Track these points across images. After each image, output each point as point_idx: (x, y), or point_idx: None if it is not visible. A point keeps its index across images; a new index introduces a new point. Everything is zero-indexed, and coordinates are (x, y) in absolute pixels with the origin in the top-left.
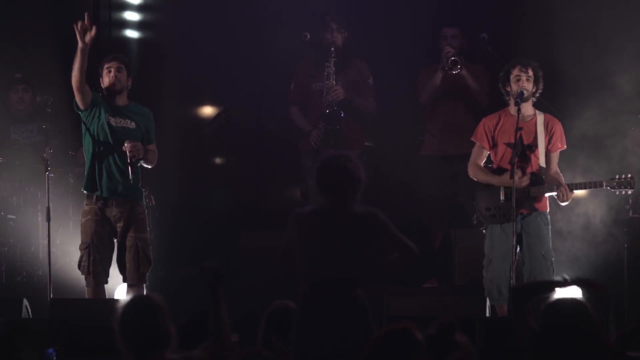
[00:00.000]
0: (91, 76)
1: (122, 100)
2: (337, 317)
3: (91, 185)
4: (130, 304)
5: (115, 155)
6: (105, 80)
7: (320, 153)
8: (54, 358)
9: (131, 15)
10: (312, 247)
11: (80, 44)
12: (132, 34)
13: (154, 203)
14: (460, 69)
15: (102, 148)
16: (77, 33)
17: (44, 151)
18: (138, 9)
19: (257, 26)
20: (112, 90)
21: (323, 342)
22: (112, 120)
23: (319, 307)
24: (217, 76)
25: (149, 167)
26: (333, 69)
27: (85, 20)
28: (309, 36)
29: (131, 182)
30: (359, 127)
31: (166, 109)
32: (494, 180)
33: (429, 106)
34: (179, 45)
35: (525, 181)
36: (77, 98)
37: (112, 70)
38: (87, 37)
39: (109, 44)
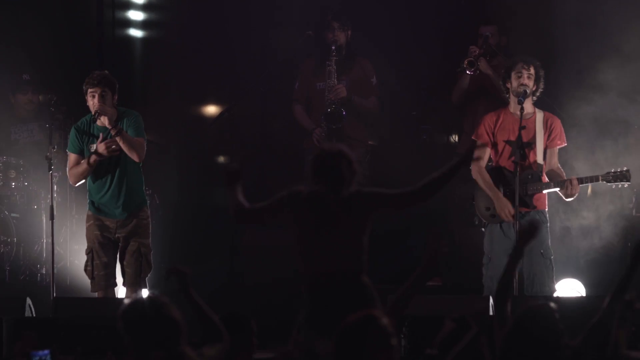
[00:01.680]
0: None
1: (106, 123)
2: (343, 307)
3: (94, 208)
4: (133, 301)
5: (111, 177)
6: (90, 103)
7: None
8: (48, 359)
9: (135, 15)
10: (310, 238)
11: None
12: (135, 33)
13: (157, 202)
14: (475, 70)
15: (96, 174)
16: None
17: (47, 150)
18: (142, 8)
19: (261, 25)
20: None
21: (330, 332)
22: (99, 148)
23: (325, 299)
24: (220, 75)
25: (136, 160)
26: (334, 67)
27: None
28: (312, 35)
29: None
30: (361, 126)
31: (170, 107)
32: (490, 193)
33: (461, 106)
34: (183, 44)
35: (510, 217)
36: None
37: (96, 96)
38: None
39: (112, 43)
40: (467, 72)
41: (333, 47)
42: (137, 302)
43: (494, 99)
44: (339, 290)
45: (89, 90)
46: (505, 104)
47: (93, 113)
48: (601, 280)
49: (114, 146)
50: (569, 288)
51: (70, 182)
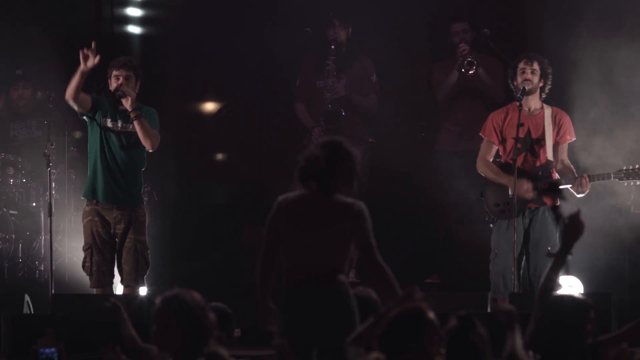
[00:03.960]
0: (97, 74)
1: (127, 105)
2: (320, 306)
3: (91, 192)
4: (177, 294)
5: (117, 160)
6: (113, 85)
7: None
8: (55, 357)
9: (133, 11)
10: (294, 235)
11: (81, 67)
12: (134, 29)
13: (156, 198)
14: (477, 69)
15: (103, 153)
16: (81, 57)
17: (45, 147)
18: (140, 4)
19: (259, 21)
20: (117, 96)
21: (307, 331)
22: (114, 125)
23: (303, 296)
24: (219, 71)
25: (149, 149)
26: (333, 66)
27: (92, 46)
28: (310, 32)
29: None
30: (361, 123)
31: (168, 104)
32: (502, 180)
33: (446, 104)
34: (181, 40)
35: (530, 194)
36: (73, 105)
37: (121, 78)
38: (90, 63)
39: (111, 40)
40: (470, 72)
41: (332, 47)
42: (178, 296)
43: (486, 96)
44: (314, 286)
45: (114, 72)
46: (494, 101)
47: (116, 92)
48: (599, 276)
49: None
50: (567, 284)
51: (66, 96)
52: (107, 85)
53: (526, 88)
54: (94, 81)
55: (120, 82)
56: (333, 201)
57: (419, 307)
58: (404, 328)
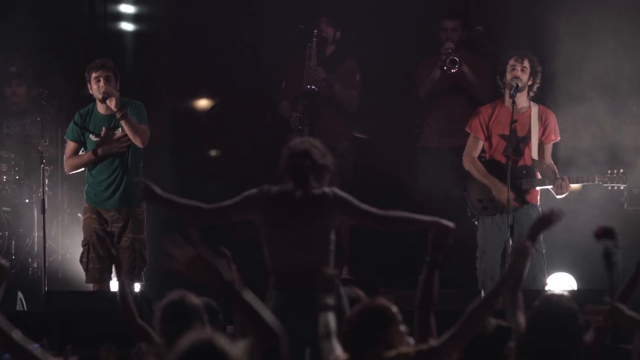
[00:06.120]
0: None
1: (112, 105)
2: (311, 306)
3: (89, 197)
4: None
5: (113, 169)
6: (94, 88)
7: (302, 132)
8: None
9: (126, 8)
10: (275, 236)
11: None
12: (127, 26)
13: None
14: (459, 68)
15: (97, 164)
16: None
17: (38, 143)
18: (133, 1)
19: (253, 19)
20: (101, 99)
21: (300, 331)
22: (111, 148)
23: (293, 298)
24: (212, 68)
25: (140, 146)
26: (315, 49)
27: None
28: (304, 29)
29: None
30: (344, 119)
31: (162, 101)
32: (485, 180)
33: (428, 100)
34: (174, 37)
35: (512, 201)
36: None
37: (101, 80)
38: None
39: (104, 37)
40: (452, 70)
41: (315, 31)
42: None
43: (470, 93)
44: (303, 287)
45: (93, 74)
46: (478, 99)
47: (100, 95)
48: (593, 274)
49: (125, 144)
50: (561, 282)
51: (65, 170)
52: (88, 90)
53: (518, 85)
54: None
55: (101, 83)
56: (309, 196)
57: (382, 303)
58: (368, 324)
